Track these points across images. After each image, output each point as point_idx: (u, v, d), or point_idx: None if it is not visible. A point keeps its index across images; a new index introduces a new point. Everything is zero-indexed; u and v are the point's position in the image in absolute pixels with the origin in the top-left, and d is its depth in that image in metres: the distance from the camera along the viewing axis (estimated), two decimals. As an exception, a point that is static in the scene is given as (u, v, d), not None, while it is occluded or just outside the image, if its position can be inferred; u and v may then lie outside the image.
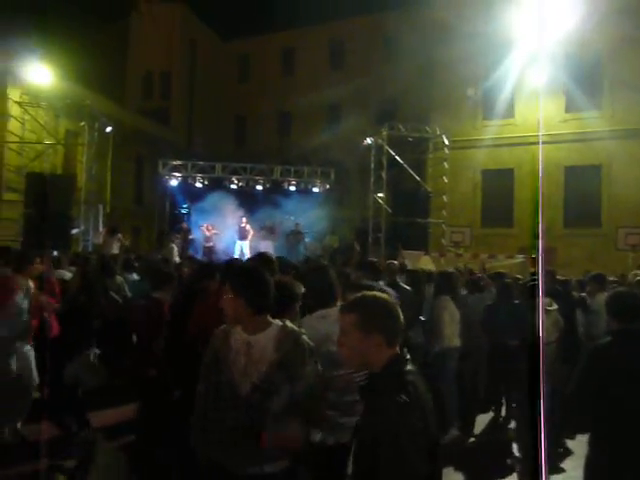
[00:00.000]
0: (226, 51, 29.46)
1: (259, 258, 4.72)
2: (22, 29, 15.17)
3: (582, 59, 17.23)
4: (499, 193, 18.96)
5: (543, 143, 17.78)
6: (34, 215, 14.23)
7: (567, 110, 18.07)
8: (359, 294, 2.11)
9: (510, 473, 5.07)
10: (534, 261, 14.13)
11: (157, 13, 26.65)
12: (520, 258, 14.68)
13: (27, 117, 16.02)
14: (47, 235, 13.50)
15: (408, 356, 2.01)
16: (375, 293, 2.10)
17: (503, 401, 6.55)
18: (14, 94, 15.62)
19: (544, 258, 15.29)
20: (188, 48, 27.53)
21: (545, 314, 5.96)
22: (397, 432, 1.72)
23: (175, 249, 13.88)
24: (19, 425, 5.27)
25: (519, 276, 8.59)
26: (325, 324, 3.02)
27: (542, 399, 4.99)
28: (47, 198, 14.19)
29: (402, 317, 2.01)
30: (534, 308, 5.50)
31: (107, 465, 3.84)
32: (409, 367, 1.95)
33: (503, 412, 6.50)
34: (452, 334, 5.92)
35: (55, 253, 9.73)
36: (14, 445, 5.00)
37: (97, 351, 4.31)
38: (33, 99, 15.91)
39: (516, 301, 6.33)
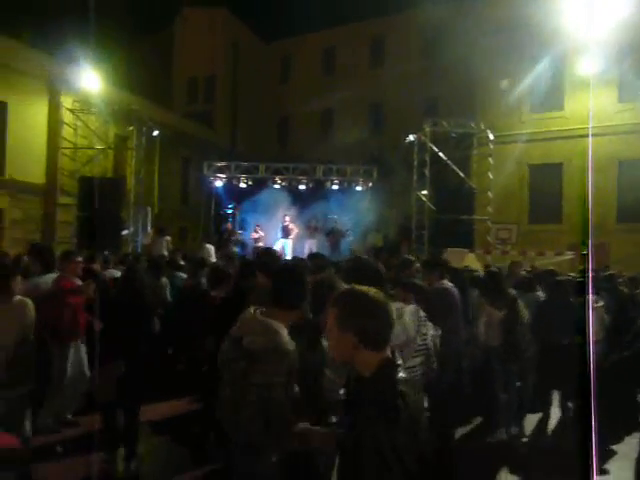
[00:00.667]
0: (267, 52, 29.78)
1: (266, 252, 4.83)
2: (72, 37, 15.80)
3: (636, 47, 16.50)
4: (547, 188, 18.40)
5: (595, 136, 17.14)
6: (87, 217, 14.88)
7: (620, 100, 17.35)
8: (348, 287, 2.00)
9: (559, 473, 4.92)
10: (584, 258, 13.72)
11: (199, 18, 27.21)
12: (570, 255, 14.23)
13: (79, 123, 16.66)
14: (99, 236, 14.12)
15: (400, 361, 1.88)
16: (365, 289, 1.91)
17: (552, 401, 6.37)
18: (67, 102, 16.28)
19: (596, 254, 14.83)
20: (230, 51, 27.97)
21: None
22: (382, 450, 1.63)
23: (212, 249, 14.12)
24: (70, 415, 5.50)
25: (571, 273, 8.34)
26: None
27: (593, 400, 4.86)
28: (99, 201, 14.81)
29: (391, 319, 1.86)
30: (582, 306, 5.36)
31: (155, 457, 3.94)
32: (401, 374, 1.81)
33: (552, 412, 6.32)
34: (492, 335, 5.81)
35: (106, 253, 10.07)
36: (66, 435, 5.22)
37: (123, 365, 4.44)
38: (84, 106, 16.53)
39: (570, 299, 6.18)
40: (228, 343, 2.56)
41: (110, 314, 4.56)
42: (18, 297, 4.12)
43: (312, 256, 5.19)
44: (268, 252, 5.25)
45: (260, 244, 16.89)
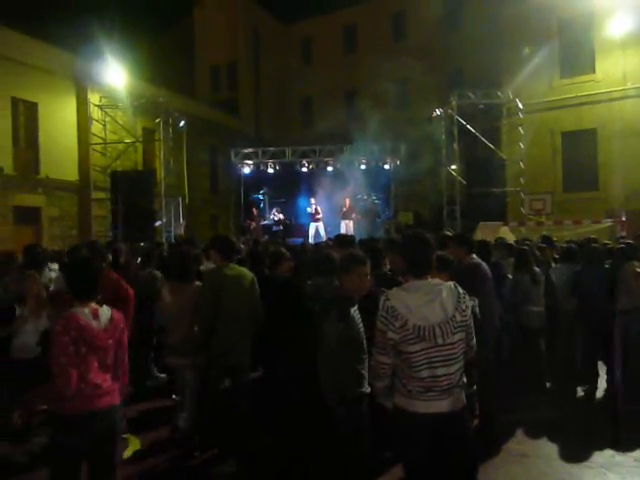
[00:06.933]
0: (288, 35, 29.54)
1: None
2: (95, 34, 16.01)
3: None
4: (582, 156, 17.84)
5: (628, 98, 16.51)
6: (120, 211, 15.20)
7: (654, 59, 16.65)
8: None
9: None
10: (623, 224, 13.36)
11: (218, 5, 27.11)
12: (608, 222, 13.87)
13: (107, 119, 16.95)
14: (133, 228, 14.43)
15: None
16: None
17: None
18: (94, 98, 16.56)
19: (635, 221, 14.38)
20: (251, 37, 27.86)
21: (636, 278, 5.63)
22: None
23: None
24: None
25: (607, 241, 8.15)
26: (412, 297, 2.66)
27: (621, 366, 4.77)
28: (131, 194, 15.11)
29: None
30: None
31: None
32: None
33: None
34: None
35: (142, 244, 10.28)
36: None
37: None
38: (111, 101, 16.79)
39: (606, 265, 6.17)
40: None
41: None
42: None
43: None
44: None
45: (280, 227, 17.17)
